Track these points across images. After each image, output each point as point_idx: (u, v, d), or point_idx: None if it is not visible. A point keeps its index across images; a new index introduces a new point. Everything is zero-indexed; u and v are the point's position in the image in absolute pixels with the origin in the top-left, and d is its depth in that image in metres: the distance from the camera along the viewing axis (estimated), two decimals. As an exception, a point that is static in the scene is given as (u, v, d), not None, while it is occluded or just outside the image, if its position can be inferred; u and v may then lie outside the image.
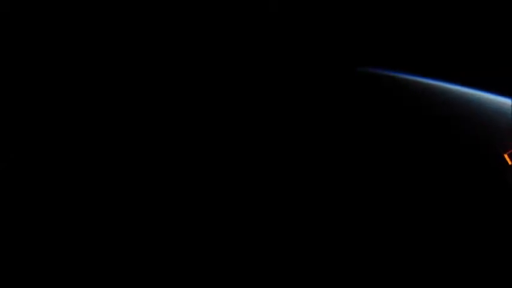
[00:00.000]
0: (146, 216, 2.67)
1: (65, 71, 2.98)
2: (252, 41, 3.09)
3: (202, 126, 2.95)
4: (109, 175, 2.76)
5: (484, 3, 3.20)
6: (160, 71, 3.02)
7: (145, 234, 2.62)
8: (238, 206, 2.67)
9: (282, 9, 3.16)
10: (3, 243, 2.52)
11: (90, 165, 2.79)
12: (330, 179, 2.83)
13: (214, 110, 2.98)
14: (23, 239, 2.55)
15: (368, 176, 2.87)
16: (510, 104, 3.17)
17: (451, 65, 3.26)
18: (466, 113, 3.31)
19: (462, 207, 2.79)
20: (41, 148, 2.79)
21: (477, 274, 2.55)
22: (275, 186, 2.75)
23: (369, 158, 2.94)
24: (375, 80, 3.35)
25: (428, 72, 3.36)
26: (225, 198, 2.68)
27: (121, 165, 2.81)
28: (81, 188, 2.72)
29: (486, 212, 2.78)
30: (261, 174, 2.78)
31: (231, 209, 2.66)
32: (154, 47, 3.05)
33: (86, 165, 2.79)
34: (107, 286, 2.48)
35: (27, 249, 2.53)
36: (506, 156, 2.90)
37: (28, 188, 2.65)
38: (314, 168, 2.86)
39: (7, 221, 2.58)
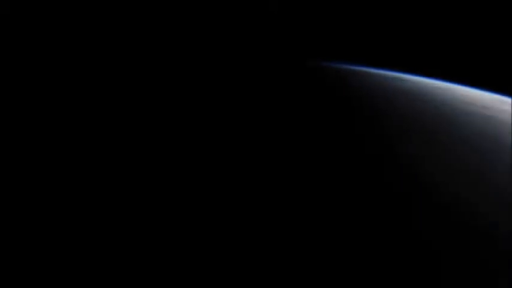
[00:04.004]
0: (145, 216, 2.67)
1: (65, 71, 2.98)
2: (251, 40, 3.10)
3: (199, 126, 2.95)
4: (109, 175, 2.76)
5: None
6: (160, 70, 3.03)
7: (144, 234, 2.62)
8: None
9: (282, 9, 3.17)
10: (3, 243, 2.52)
11: (90, 166, 2.79)
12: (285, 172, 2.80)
13: (210, 108, 2.99)
14: (23, 239, 2.55)
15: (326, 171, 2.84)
16: (510, 103, 3.18)
17: (453, 64, 3.27)
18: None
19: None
20: (40, 148, 2.79)
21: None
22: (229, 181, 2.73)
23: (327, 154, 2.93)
24: (372, 79, 3.36)
25: (430, 72, 3.37)
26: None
27: (121, 165, 2.81)
28: (81, 188, 2.72)
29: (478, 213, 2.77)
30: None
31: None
32: (154, 46, 3.05)
33: (86, 165, 2.79)
34: (107, 286, 2.46)
35: (27, 249, 2.53)
36: None
37: (28, 187, 2.64)
38: (275, 162, 2.84)
39: (7, 221, 2.57)
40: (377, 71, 3.58)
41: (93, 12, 3.06)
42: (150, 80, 3.05)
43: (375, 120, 3.28)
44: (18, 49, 3.00)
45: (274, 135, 2.98)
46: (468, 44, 3.23)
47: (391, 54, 3.41)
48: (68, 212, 2.62)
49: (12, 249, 2.49)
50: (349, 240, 2.53)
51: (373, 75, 3.61)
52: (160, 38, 3.12)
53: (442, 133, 3.20)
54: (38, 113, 2.88)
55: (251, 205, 2.64)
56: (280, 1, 3.18)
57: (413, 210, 2.74)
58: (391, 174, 2.93)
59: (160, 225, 2.61)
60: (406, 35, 3.33)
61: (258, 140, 2.94)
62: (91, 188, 2.70)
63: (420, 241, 2.59)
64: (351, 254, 2.48)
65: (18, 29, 3.04)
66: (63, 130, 2.86)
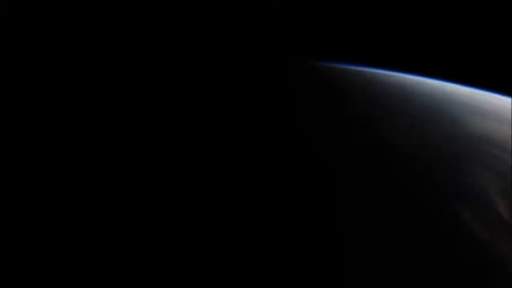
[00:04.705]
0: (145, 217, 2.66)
1: (65, 71, 2.98)
2: (251, 40, 3.10)
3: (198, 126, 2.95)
4: (108, 175, 2.76)
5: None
6: (160, 70, 3.02)
7: (143, 233, 2.61)
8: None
9: (282, 9, 3.17)
10: (3, 243, 2.51)
11: (90, 166, 2.79)
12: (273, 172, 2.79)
13: (209, 107, 2.99)
14: (23, 238, 2.54)
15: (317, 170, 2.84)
16: (510, 103, 3.18)
17: (452, 64, 3.27)
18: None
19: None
20: (41, 148, 2.78)
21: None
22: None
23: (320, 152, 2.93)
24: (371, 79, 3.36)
25: (426, 71, 3.37)
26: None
27: (120, 165, 2.81)
28: (80, 188, 2.71)
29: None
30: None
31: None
32: (154, 46, 3.05)
33: (85, 166, 2.78)
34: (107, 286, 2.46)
35: (26, 249, 2.52)
36: None
37: (28, 185, 2.64)
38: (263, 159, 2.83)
39: (7, 221, 2.57)
40: (377, 71, 3.58)
41: (93, 12, 3.06)
42: (148, 79, 3.05)
43: (375, 120, 3.28)
44: (18, 49, 3.00)
45: (273, 135, 2.99)
46: (468, 44, 3.23)
47: (391, 54, 3.41)
48: (68, 211, 2.62)
49: (12, 249, 2.49)
50: (348, 240, 2.53)
51: (373, 75, 3.61)
52: (157, 36, 3.12)
53: (442, 133, 3.21)
54: (38, 113, 2.88)
55: (249, 204, 2.64)
56: (280, 1, 3.18)
57: (413, 210, 2.75)
58: (391, 174, 2.93)
59: (156, 223, 2.60)
60: (406, 35, 3.33)
61: (257, 139, 2.95)
62: (91, 187, 2.70)
63: (420, 241, 2.60)
64: (350, 254, 2.48)
65: (18, 29, 3.04)
66: (63, 130, 2.86)
